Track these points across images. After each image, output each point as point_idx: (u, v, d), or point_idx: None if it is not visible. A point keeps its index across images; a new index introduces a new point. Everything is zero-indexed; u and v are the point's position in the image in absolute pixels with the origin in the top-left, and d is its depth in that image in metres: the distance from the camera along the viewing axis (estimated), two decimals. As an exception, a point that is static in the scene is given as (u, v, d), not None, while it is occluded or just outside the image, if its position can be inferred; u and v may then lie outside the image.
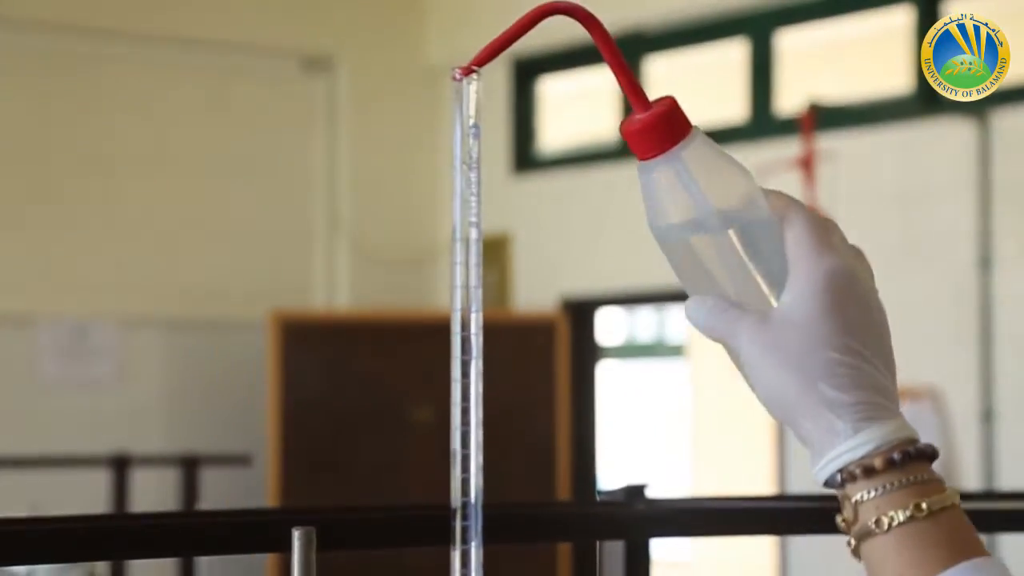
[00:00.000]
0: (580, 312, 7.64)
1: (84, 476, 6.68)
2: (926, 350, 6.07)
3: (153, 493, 6.67)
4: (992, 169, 6.06)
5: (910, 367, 5.98)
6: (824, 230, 1.08)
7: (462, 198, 1.17)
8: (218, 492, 6.58)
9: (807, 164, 6.04)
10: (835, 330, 1.05)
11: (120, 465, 6.48)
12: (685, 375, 11.24)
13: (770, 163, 5.86)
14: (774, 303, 1.08)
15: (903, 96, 6.46)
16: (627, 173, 7.23)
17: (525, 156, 7.91)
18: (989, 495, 3.06)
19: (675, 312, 11.08)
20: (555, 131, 8.01)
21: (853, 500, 1.05)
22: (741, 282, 1.09)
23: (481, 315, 1.21)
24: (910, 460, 1.05)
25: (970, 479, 5.93)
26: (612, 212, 7.32)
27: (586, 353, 7.71)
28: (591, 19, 1.10)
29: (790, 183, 5.64)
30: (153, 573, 6.49)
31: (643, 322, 11.73)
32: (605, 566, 1.80)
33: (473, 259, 1.19)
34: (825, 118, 6.33)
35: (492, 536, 1.34)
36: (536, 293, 7.69)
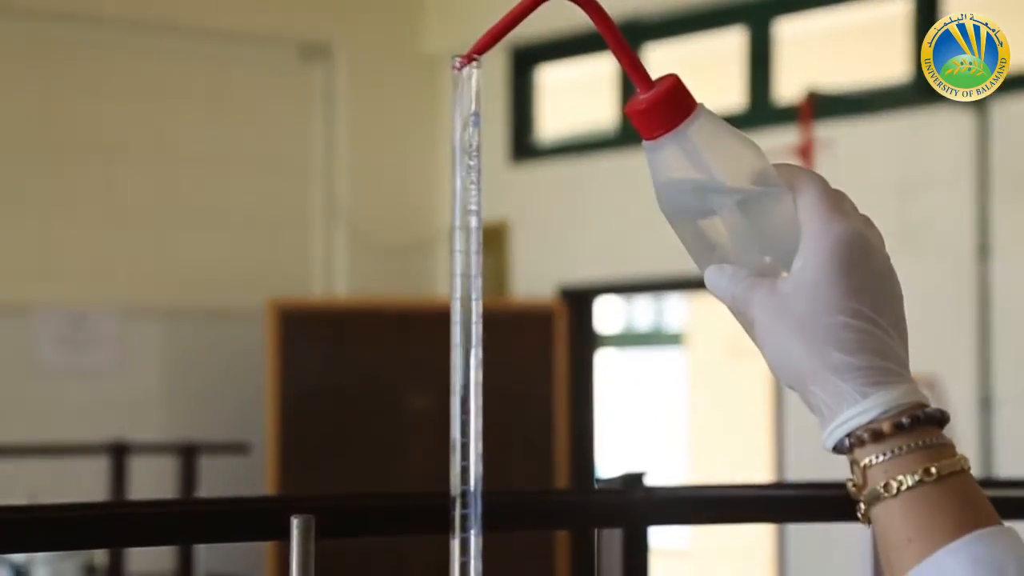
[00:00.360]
0: (578, 300, 7.64)
1: (83, 464, 6.68)
2: (924, 338, 6.06)
3: (152, 481, 6.67)
4: (990, 158, 6.06)
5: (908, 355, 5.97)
6: (836, 197, 1.08)
7: (462, 186, 1.17)
8: (217, 480, 6.59)
9: (805, 152, 6.04)
10: (843, 294, 1.05)
11: (119, 453, 6.48)
12: (683, 363, 11.25)
13: (768, 151, 5.83)
14: (786, 274, 1.08)
15: (901, 85, 6.45)
16: (626, 161, 7.23)
17: (523, 144, 7.91)
18: (987, 482, 3.06)
19: (673, 301, 11.08)
20: (553, 119, 8.01)
21: (862, 464, 1.05)
22: (754, 254, 1.09)
23: (481, 303, 1.21)
24: (919, 424, 1.05)
25: (968, 467, 5.93)
26: (610, 200, 7.32)
27: (584, 341, 7.71)
28: (589, 1, 1.09)
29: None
30: (152, 561, 6.50)
31: (641, 310, 11.74)
32: (603, 554, 1.80)
33: (473, 247, 1.19)
34: (823, 106, 6.32)
35: (491, 524, 1.34)
36: (534, 281, 7.69)
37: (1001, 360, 6.04)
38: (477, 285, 1.20)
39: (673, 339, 11.52)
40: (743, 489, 2.03)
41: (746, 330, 1.12)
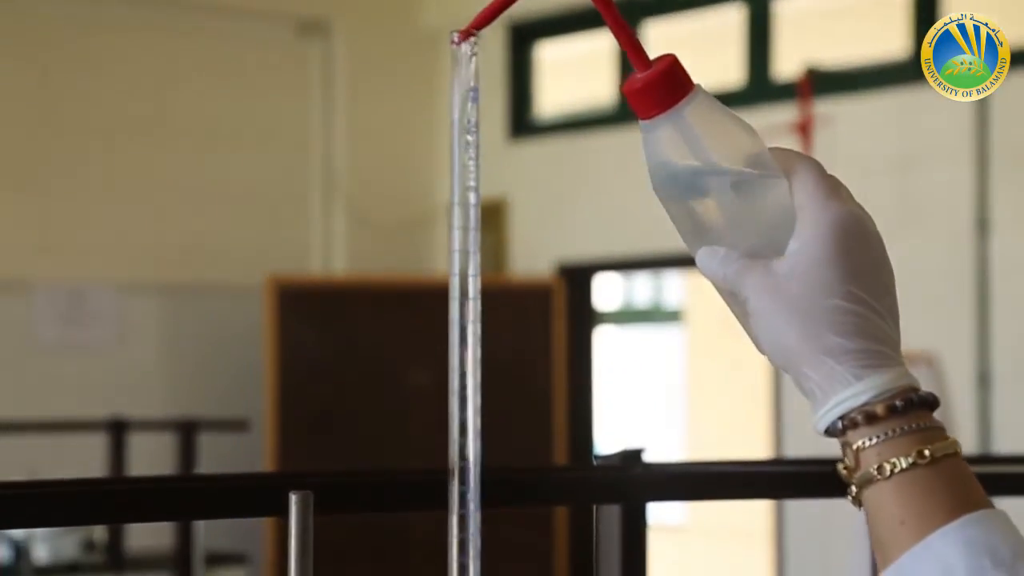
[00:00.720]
0: (577, 277, 7.64)
1: (82, 440, 6.68)
2: (923, 314, 6.07)
3: (151, 458, 6.67)
4: (990, 133, 6.05)
5: (906, 332, 5.96)
6: (832, 182, 1.09)
7: (460, 163, 1.17)
8: (216, 457, 6.59)
9: (804, 129, 6.04)
10: (840, 277, 1.06)
11: (117, 430, 6.49)
12: (682, 340, 11.26)
13: (767, 128, 5.85)
14: (778, 257, 1.08)
15: (900, 61, 6.44)
16: (624, 138, 7.22)
17: (522, 121, 7.90)
18: (985, 459, 3.07)
19: (672, 277, 11.08)
20: (552, 96, 8.00)
21: (854, 447, 1.05)
22: (746, 237, 1.09)
23: (479, 279, 1.22)
24: (912, 407, 1.05)
25: (966, 443, 5.94)
26: (609, 177, 7.31)
27: (583, 318, 7.71)
28: None
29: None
30: (151, 537, 6.51)
31: (640, 287, 11.74)
32: (602, 530, 1.81)
33: (472, 224, 1.19)
34: (822, 83, 6.32)
35: (490, 500, 1.34)
36: (533, 258, 7.69)
37: (999, 336, 6.04)
38: (475, 261, 1.20)
39: (672, 316, 11.53)
40: (741, 465, 2.03)
41: (734, 312, 1.12)
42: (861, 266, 1.07)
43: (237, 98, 7.72)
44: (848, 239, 1.06)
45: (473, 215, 1.18)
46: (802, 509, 6.41)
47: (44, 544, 6.15)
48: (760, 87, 6.91)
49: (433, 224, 7.97)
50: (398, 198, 8.00)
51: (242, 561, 6.76)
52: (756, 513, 8.56)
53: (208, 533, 6.13)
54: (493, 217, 7.63)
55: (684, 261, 7.30)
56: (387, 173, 8.01)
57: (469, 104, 1.13)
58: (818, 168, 1.09)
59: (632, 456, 1.81)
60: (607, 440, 9.24)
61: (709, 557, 10.55)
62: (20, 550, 6.08)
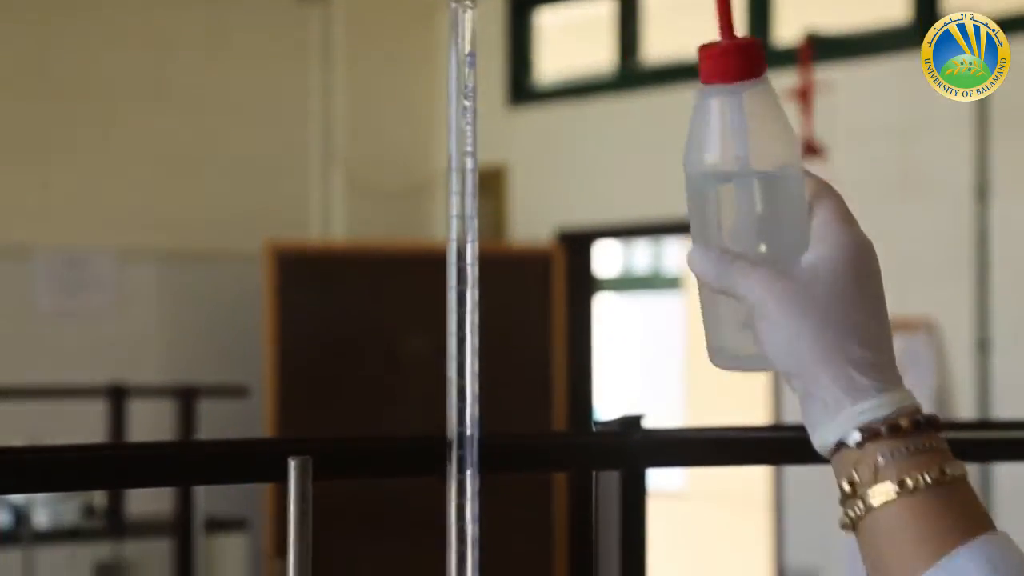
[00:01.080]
0: (577, 244, 7.63)
1: (81, 407, 6.69)
2: (922, 281, 6.07)
3: (150, 424, 6.68)
4: (990, 100, 6.04)
5: (906, 298, 5.99)
6: (851, 214, 1.11)
7: (457, 128, 1.17)
8: (215, 423, 6.60)
9: (805, 95, 6.03)
10: (863, 293, 1.07)
11: (117, 396, 6.49)
12: (681, 307, 11.26)
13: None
14: (777, 264, 1.09)
15: (901, 26, 6.43)
16: (625, 105, 7.21)
17: (522, 88, 7.88)
18: (984, 424, 3.07)
19: (672, 244, 11.08)
20: (552, 62, 7.98)
21: (874, 460, 1.04)
22: (749, 238, 1.10)
23: (477, 245, 1.22)
24: (931, 425, 1.06)
25: (965, 409, 5.96)
26: (609, 144, 7.30)
27: (582, 285, 7.71)
28: None
29: (787, 115, 5.61)
30: (151, 502, 6.53)
31: (640, 254, 11.73)
32: (601, 496, 1.81)
33: (469, 189, 1.19)
34: (823, 48, 6.30)
35: (488, 466, 1.34)
36: (532, 225, 7.69)
37: (999, 302, 6.04)
38: (473, 226, 1.20)
39: (671, 283, 11.53)
40: (741, 431, 2.03)
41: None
42: (876, 288, 1.09)
43: (236, 64, 7.70)
44: (866, 261, 1.09)
45: (470, 180, 1.17)
46: (801, 475, 6.42)
47: (44, 509, 6.17)
48: (760, 53, 6.89)
49: (432, 190, 7.96)
50: (397, 164, 7.99)
51: (242, 527, 6.77)
52: (755, 479, 8.57)
53: (208, 499, 6.14)
54: (492, 184, 7.62)
55: (684, 228, 7.28)
56: (386, 139, 8.00)
57: (466, 69, 1.13)
58: (842, 199, 1.12)
59: (631, 422, 1.81)
60: (606, 407, 9.25)
61: (708, 523, 10.58)
62: (20, 515, 6.09)
